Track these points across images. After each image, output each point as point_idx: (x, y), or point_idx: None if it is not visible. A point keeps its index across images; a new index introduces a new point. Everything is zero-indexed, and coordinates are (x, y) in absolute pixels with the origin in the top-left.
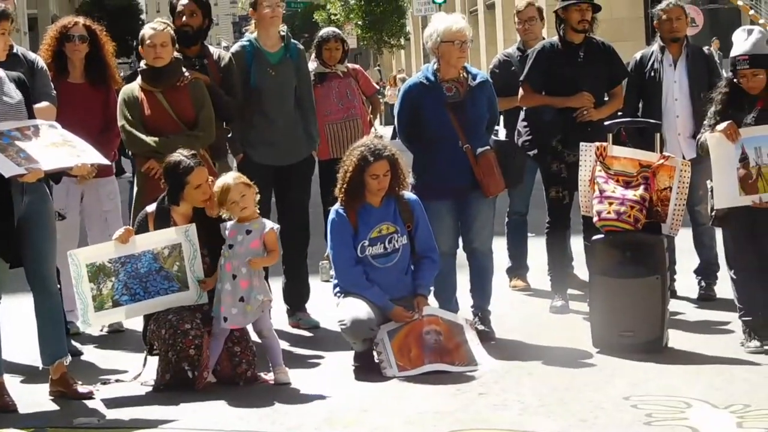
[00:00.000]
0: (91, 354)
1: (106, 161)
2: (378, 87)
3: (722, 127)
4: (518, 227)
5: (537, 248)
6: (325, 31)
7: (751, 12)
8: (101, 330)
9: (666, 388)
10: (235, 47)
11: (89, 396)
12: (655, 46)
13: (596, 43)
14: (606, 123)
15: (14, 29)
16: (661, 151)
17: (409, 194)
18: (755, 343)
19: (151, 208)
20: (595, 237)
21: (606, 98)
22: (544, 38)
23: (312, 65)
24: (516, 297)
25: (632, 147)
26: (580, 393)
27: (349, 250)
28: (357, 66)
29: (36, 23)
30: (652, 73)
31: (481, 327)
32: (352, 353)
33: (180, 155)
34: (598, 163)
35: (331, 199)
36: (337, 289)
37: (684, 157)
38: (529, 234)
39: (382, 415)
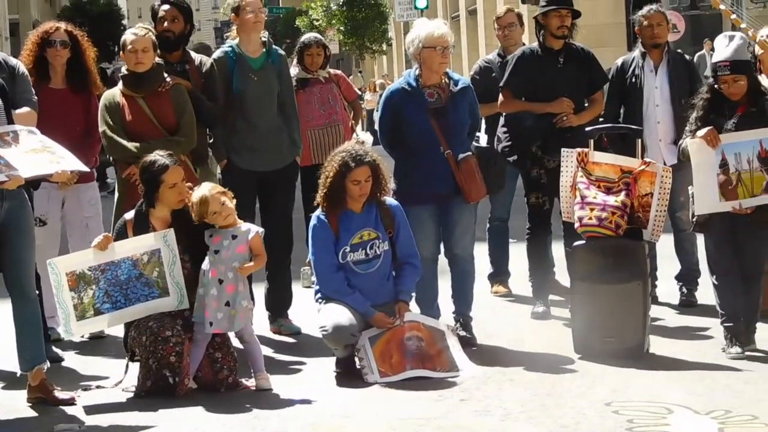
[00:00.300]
0: (72, 360)
1: (85, 168)
2: (359, 92)
3: (703, 133)
4: (500, 233)
5: (518, 254)
6: (306, 36)
7: (733, 16)
8: (82, 336)
9: (647, 394)
10: (217, 53)
11: (70, 402)
12: (637, 52)
13: (576, 49)
14: (587, 129)
15: None
16: (642, 157)
17: (390, 200)
18: (736, 349)
19: (129, 215)
20: (576, 243)
21: (586, 104)
22: (524, 44)
23: (294, 71)
24: (497, 303)
25: (614, 153)
26: (562, 399)
27: (331, 256)
28: (339, 71)
29: (17, 28)
30: (634, 79)
31: (462, 333)
32: (333, 359)
33: (155, 155)
34: (580, 168)
35: (313, 205)
36: (319, 295)
37: (665, 163)
38: (510, 240)
39: (363, 421)
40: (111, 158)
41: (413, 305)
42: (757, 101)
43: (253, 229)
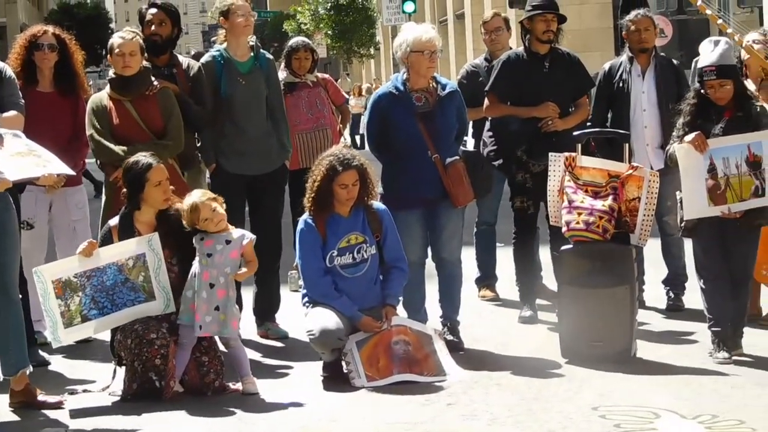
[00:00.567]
0: (58, 364)
1: (71, 171)
2: (347, 96)
3: (690, 138)
4: (487, 237)
5: (506, 258)
6: (294, 40)
7: (719, 21)
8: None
9: (634, 399)
10: (205, 58)
11: (57, 406)
12: (624, 57)
13: (562, 53)
14: (575, 133)
15: None
16: (630, 162)
17: (377, 204)
18: (724, 353)
19: (114, 221)
20: (563, 247)
21: (572, 109)
22: (511, 48)
23: (281, 75)
24: (485, 307)
25: (601, 157)
26: (549, 403)
27: (318, 260)
28: (327, 75)
29: (5, 32)
30: (621, 84)
31: (449, 337)
32: (320, 363)
33: (137, 156)
34: (567, 173)
35: (301, 209)
36: (306, 299)
37: (652, 168)
38: (497, 244)
39: (350, 425)
40: (98, 162)
41: (400, 309)
42: (744, 105)
43: (246, 236)
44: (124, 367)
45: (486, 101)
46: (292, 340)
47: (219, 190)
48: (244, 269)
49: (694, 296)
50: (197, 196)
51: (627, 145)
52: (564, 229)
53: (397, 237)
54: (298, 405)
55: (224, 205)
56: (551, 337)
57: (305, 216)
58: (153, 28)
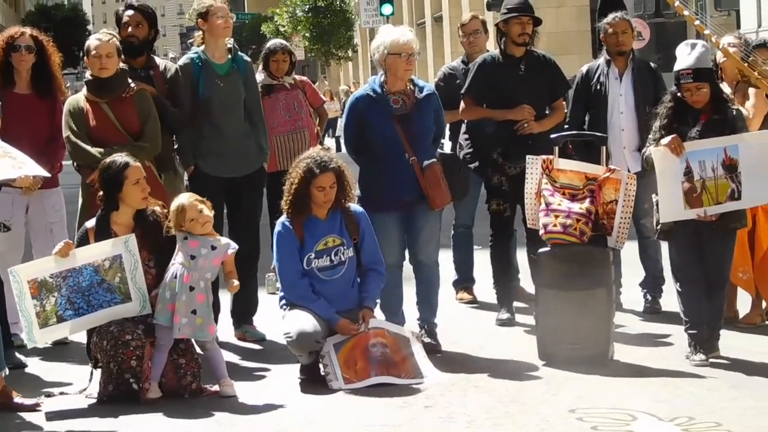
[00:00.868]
0: (35, 366)
1: (46, 174)
2: (325, 99)
3: (667, 141)
4: (464, 240)
5: (483, 261)
6: (272, 42)
7: (697, 22)
8: (46, 342)
9: (612, 401)
10: (183, 60)
11: (33, 408)
12: (602, 60)
13: (537, 56)
14: (552, 136)
15: None
16: (607, 165)
17: (355, 206)
18: (700, 356)
19: (90, 223)
20: (541, 250)
21: (548, 111)
22: (488, 51)
23: (259, 77)
24: (462, 310)
25: (578, 160)
26: (526, 406)
27: (295, 262)
28: (304, 78)
29: None
30: (598, 87)
31: (427, 339)
32: (298, 366)
33: (112, 156)
34: (545, 175)
35: (278, 211)
36: (283, 301)
37: (629, 171)
38: (475, 246)
39: (328, 427)
40: (74, 164)
41: (378, 312)
42: (720, 109)
43: (231, 245)
44: (100, 369)
45: (462, 104)
46: (270, 343)
47: (197, 192)
48: (236, 282)
49: (671, 299)
50: (185, 197)
51: (604, 147)
52: (541, 231)
53: (374, 239)
54: (276, 407)
55: (213, 210)
56: (529, 339)
57: (283, 218)
58: (130, 29)
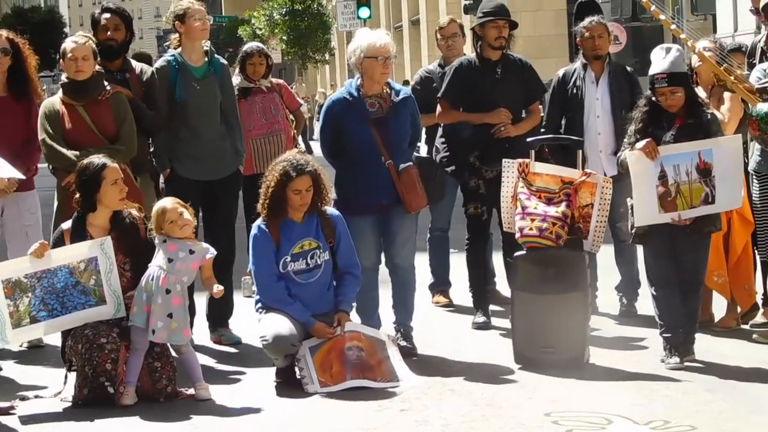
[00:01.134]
0: (10, 369)
1: (22, 176)
2: (301, 102)
3: (641, 145)
4: (440, 243)
5: (459, 264)
6: (249, 45)
7: (673, 26)
8: (21, 345)
9: (587, 404)
10: (159, 62)
11: (7, 412)
12: (578, 63)
13: (514, 59)
14: (528, 140)
15: None
16: (583, 168)
17: (331, 210)
18: (675, 359)
19: (66, 225)
20: (517, 253)
21: (524, 114)
22: (465, 55)
23: (236, 80)
24: (438, 313)
25: (555, 164)
26: (502, 409)
27: (271, 265)
28: (281, 81)
29: None
30: (575, 90)
31: (403, 343)
32: (273, 369)
33: (89, 158)
34: (521, 179)
35: (254, 214)
36: (259, 304)
37: (605, 174)
38: (451, 250)
39: (303, 431)
40: (50, 167)
41: (354, 315)
42: (695, 113)
43: (210, 251)
44: (74, 372)
45: (438, 107)
46: (245, 346)
47: (173, 195)
48: (220, 287)
49: (646, 302)
50: (168, 201)
51: (580, 151)
52: (517, 235)
53: (350, 243)
54: (252, 411)
55: (195, 217)
56: (504, 343)
57: (259, 221)
58: (108, 33)
